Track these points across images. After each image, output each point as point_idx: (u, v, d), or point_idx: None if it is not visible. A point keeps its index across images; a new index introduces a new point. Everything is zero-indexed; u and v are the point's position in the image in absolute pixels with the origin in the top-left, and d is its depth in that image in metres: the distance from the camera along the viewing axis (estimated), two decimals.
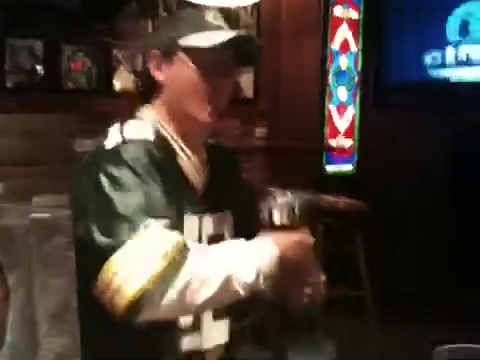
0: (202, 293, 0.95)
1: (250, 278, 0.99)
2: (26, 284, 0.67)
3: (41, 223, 0.68)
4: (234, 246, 1.04)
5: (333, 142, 3.70)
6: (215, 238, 1.14)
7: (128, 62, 2.90)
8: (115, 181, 0.99)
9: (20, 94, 2.65)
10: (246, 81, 3.38)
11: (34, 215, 0.68)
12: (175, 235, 0.96)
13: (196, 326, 1.11)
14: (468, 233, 3.42)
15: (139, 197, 0.98)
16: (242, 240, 1.05)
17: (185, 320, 1.09)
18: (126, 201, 0.97)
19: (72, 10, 2.74)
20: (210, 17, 1.14)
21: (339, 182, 3.62)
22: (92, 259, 0.95)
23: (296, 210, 1.10)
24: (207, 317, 1.14)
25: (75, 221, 1.03)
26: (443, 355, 0.60)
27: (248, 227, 1.12)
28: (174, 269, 0.93)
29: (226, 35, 1.09)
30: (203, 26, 1.11)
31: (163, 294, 0.92)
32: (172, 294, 0.93)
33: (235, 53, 1.13)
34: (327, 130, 3.66)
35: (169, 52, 1.12)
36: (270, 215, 1.09)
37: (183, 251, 0.95)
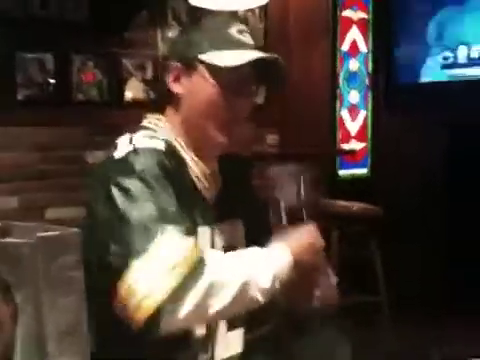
0: (220, 301, 0.94)
1: (267, 284, 0.98)
2: (34, 303, 0.66)
3: (49, 241, 0.67)
4: (249, 253, 1.03)
5: (346, 146, 3.67)
6: (228, 249, 1.12)
7: (139, 72, 2.90)
8: (126, 192, 0.97)
9: (31, 107, 2.66)
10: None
11: (41, 233, 0.67)
12: (192, 241, 0.95)
13: (209, 338, 1.10)
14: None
15: (152, 206, 0.96)
16: (256, 248, 1.04)
17: (198, 332, 1.08)
18: (139, 211, 0.95)
19: (81, 22, 2.75)
20: (234, 31, 1.11)
21: (353, 186, 3.59)
22: (108, 272, 0.94)
23: (302, 189, 1.10)
24: (221, 328, 1.13)
25: (89, 235, 1.01)
26: None
27: (260, 236, 1.11)
28: (192, 278, 0.92)
29: (249, 55, 1.07)
30: (227, 42, 1.09)
31: (182, 305, 0.91)
32: (191, 304, 0.92)
33: (257, 72, 1.11)
34: (339, 134, 3.64)
35: (190, 65, 1.10)
36: (278, 215, 1.10)
37: (200, 259, 0.94)
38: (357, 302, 2.85)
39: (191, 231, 0.98)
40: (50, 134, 2.71)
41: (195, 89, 1.10)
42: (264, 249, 1.04)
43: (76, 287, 0.69)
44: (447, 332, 2.80)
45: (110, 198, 0.98)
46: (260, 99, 3.39)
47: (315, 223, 1.11)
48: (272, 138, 3.43)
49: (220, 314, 0.97)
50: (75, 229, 0.74)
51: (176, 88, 1.11)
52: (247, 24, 3.35)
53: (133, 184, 0.98)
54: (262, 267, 1.00)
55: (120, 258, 0.93)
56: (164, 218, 0.95)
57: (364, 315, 2.76)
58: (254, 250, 1.04)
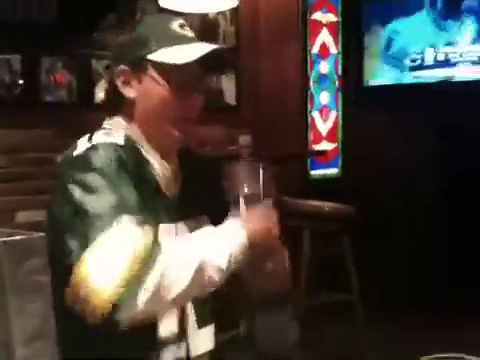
0: (177, 286, 0.94)
1: (223, 263, 0.99)
2: (1, 308, 0.66)
3: (14, 246, 0.67)
4: (204, 234, 1.03)
5: (317, 147, 3.71)
6: None
7: (107, 74, 2.88)
8: (83, 186, 0.96)
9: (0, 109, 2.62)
10: (228, 88, 3.38)
11: (6, 238, 0.66)
12: (147, 231, 0.94)
13: (179, 336, 1.10)
14: (455, 235, 3.44)
15: (109, 196, 0.95)
16: (210, 228, 1.05)
17: (167, 331, 1.08)
18: (96, 202, 0.94)
19: (50, 23, 2.72)
20: (176, 26, 1.11)
21: (325, 186, 3.63)
22: (66, 267, 0.92)
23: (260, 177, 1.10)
24: (191, 325, 1.13)
25: (49, 236, 1.01)
26: None
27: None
28: (146, 265, 0.91)
29: (197, 51, 1.07)
30: (171, 38, 1.09)
31: (137, 295, 0.90)
32: (147, 291, 0.91)
33: (205, 65, 1.11)
34: (311, 135, 3.67)
35: (138, 68, 1.09)
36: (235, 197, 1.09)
37: (154, 247, 0.93)
38: (329, 301, 2.89)
39: (149, 220, 0.97)
40: (19, 136, 2.67)
41: (147, 91, 1.09)
42: (220, 228, 1.04)
43: (43, 291, 0.69)
44: (421, 331, 2.85)
45: (67, 194, 0.97)
46: (232, 100, 3.41)
47: (272, 208, 1.11)
48: (244, 139, 3.44)
49: (180, 297, 0.96)
50: (40, 233, 0.74)
51: (129, 92, 1.10)
52: (216, 27, 3.36)
53: (90, 177, 0.97)
54: (217, 247, 1.00)
55: (76, 252, 0.92)
56: (121, 208, 0.94)
57: (336, 313, 2.79)
58: (210, 230, 1.04)
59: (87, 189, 0.96)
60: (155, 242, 0.95)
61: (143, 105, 1.10)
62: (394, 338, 2.85)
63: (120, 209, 0.94)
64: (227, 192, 1.12)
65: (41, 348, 0.68)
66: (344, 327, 2.88)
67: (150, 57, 1.08)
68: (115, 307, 0.88)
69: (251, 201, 1.09)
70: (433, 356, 0.61)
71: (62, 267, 0.95)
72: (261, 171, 1.10)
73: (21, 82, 2.67)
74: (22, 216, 2.64)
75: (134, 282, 0.89)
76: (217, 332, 1.20)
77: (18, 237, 0.66)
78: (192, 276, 0.95)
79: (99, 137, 1.05)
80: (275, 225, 1.09)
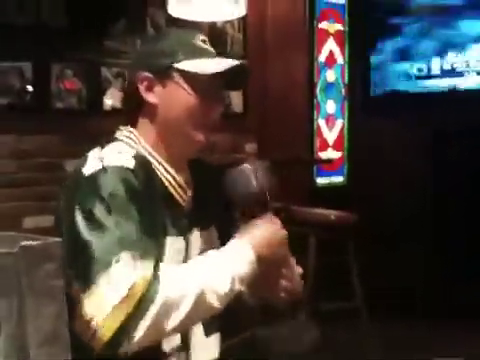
0: (175, 317, 0.97)
1: (225, 289, 1.00)
2: (17, 312, 0.68)
3: (31, 251, 0.69)
4: (207, 259, 1.04)
5: (323, 155, 3.73)
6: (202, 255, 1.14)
7: (118, 81, 2.91)
8: (89, 217, 0.99)
9: (9, 115, 2.65)
10: (235, 96, 3.41)
11: (24, 243, 0.69)
12: (144, 268, 0.96)
13: (184, 346, 1.12)
14: (461, 240, 3.44)
15: (113, 233, 0.98)
16: (214, 251, 1.06)
17: (171, 343, 1.09)
18: (99, 241, 0.97)
19: (60, 30, 2.75)
20: (198, 41, 1.16)
21: (331, 194, 3.64)
22: (69, 298, 0.95)
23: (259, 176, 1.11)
24: (197, 334, 1.14)
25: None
26: None
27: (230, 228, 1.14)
28: (144, 303, 0.94)
29: (224, 63, 1.12)
30: (195, 51, 1.14)
31: (137, 328, 0.94)
32: (144, 328, 0.94)
33: (226, 78, 1.15)
34: (317, 143, 3.69)
35: (163, 75, 1.13)
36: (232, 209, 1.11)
37: (152, 283, 0.96)
38: (334, 308, 2.89)
39: (150, 253, 0.99)
40: (28, 142, 2.70)
41: (171, 98, 1.12)
42: (225, 249, 1.06)
43: (57, 295, 0.71)
44: (425, 336, 2.85)
45: (73, 221, 1.00)
46: (238, 108, 3.43)
47: (272, 213, 1.12)
48: (250, 147, 3.46)
49: (178, 328, 1.00)
50: (56, 238, 0.76)
51: (150, 98, 1.13)
52: (224, 35, 3.39)
53: (97, 208, 1.00)
54: (219, 272, 1.01)
55: (77, 284, 0.96)
56: (121, 244, 0.97)
57: (341, 321, 2.79)
58: (214, 253, 1.05)
59: (92, 223, 0.99)
60: (155, 274, 0.97)
61: (166, 111, 1.13)
62: (398, 344, 2.85)
63: (121, 245, 0.97)
64: (231, 199, 1.14)
65: (55, 351, 0.70)
66: (348, 333, 2.89)
67: (178, 66, 1.12)
68: (114, 340, 0.93)
69: (254, 204, 1.10)
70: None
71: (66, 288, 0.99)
72: (261, 172, 1.11)
73: (31, 89, 2.70)
74: (30, 222, 2.67)
75: (131, 318, 0.93)
76: (223, 339, 1.21)
77: (35, 242, 0.68)
78: (192, 306, 0.97)
79: (110, 157, 1.06)
80: (283, 234, 1.11)
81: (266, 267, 1.06)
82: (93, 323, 0.93)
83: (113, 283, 0.94)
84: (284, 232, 1.11)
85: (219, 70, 1.11)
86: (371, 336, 2.83)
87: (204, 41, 1.17)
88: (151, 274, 0.96)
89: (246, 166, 1.12)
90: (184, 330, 1.09)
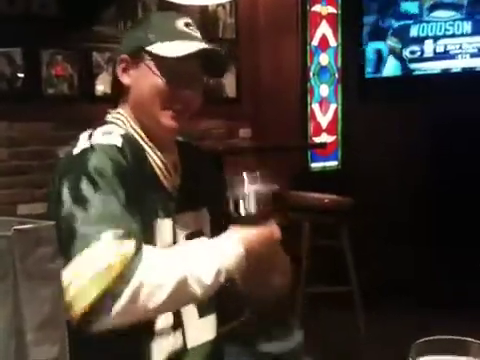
0: (154, 299, 0.97)
1: (209, 278, 1.00)
2: (13, 296, 0.68)
3: (25, 234, 0.68)
4: (195, 246, 1.05)
5: (317, 139, 3.72)
6: (192, 235, 1.15)
7: (110, 66, 2.89)
8: (75, 193, 1.00)
9: (0, 102, 2.63)
10: (229, 81, 3.39)
11: (18, 227, 0.68)
12: (125, 246, 0.96)
13: (177, 326, 1.12)
14: (455, 225, 3.46)
15: (97, 210, 0.99)
16: (205, 239, 1.07)
17: (165, 321, 1.09)
18: (83, 218, 0.98)
19: (50, 16, 2.72)
20: (181, 24, 1.15)
21: (325, 179, 3.65)
22: None
23: (259, 201, 1.11)
24: (192, 315, 1.14)
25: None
26: (423, 348, 0.61)
27: (225, 224, 1.12)
28: (121, 281, 0.94)
29: (191, 47, 1.10)
30: (172, 35, 1.12)
31: (112, 306, 0.94)
32: (121, 304, 0.94)
33: (201, 63, 1.14)
34: (311, 127, 3.68)
35: (136, 57, 1.13)
36: (236, 206, 1.11)
37: (132, 262, 0.96)
38: (328, 292, 2.91)
39: (133, 232, 0.99)
40: (20, 129, 2.68)
41: (141, 80, 1.13)
42: (215, 240, 1.06)
43: (53, 279, 0.71)
44: (419, 321, 2.87)
45: (60, 196, 1.01)
46: (232, 93, 3.41)
47: (273, 216, 1.13)
48: (244, 132, 3.45)
49: (158, 311, 1.00)
50: (51, 222, 0.75)
51: (124, 79, 1.15)
52: (216, 19, 3.36)
53: (83, 183, 1.00)
54: (205, 261, 1.01)
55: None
56: (105, 221, 0.98)
57: (335, 304, 2.81)
58: (203, 242, 1.06)
59: (77, 198, 1.00)
60: (136, 254, 0.97)
61: (137, 92, 1.14)
62: (393, 328, 2.88)
63: (105, 223, 0.97)
64: (227, 199, 1.13)
65: (52, 334, 0.70)
66: (343, 317, 2.91)
67: (147, 48, 1.12)
68: (89, 317, 0.93)
69: (248, 203, 1.10)
70: (427, 338, 0.63)
71: None
72: (258, 175, 1.11)
73: (22, 75, 2.68)
74: (24, 209, 2.66)
75: (107, 295, 0.93)
76: (219, 322, 1.21)
77: (30, 225, 0.67)
78: (171, 291, 0.97)
79: (98, 137, 1.07)
80: (276, 233, 1.11)
81: (255, 264, 1.06)
82: (68, 296, 0.92)
83: (92, 259, 0.95)
84: (277, 232, 1.11)
85: (184, 53, 1.09)
86: (365, 320, 2.86)
87: (187, 24, 1.15)
88: (132, 254, 0.96)
89: (244, 189, 1.11)
90: (163, 313, 1.09)
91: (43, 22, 2.70)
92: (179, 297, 1.00)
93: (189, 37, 1.14)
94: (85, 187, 1.00)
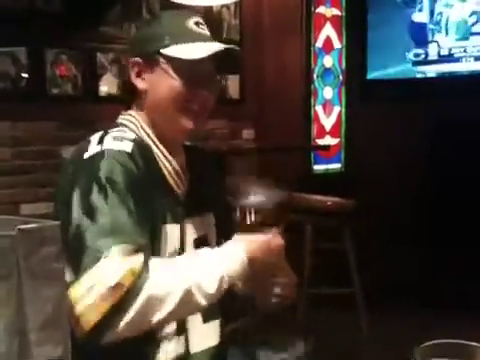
0: (160, 312, 0.97)
1: (212, 288, 1.00)
2: (17, 295, 0.67)
3: (29, 233, 0.68)
4: (198, 256, 1.04)
5: (320, 141, 3.72)
6: (198, 240, 1.15)
7: (114, 67, 2.89)
8: (85, 202, 1.00)
9: (5, 102, 2.62)
10: (232, 82, 3.39)
11: (22, 226, 0.68)
12: (134, 261, 0.96)
13: (181, 331, 1.12)
14: (458, 227, 3.45)
15: (106, 220, 0.98)
16: (209, 248, 1.06)
17: (169, 327, 1.09)
18: (92, 226, 0.98)
19: (55, 15, 2.72)
20: (192, 24, 1.14)
21: (328, 181, 3.64)
22: None
23: (267, 210, 1.11)
24: (196, 320, 1.14)
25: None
26: (427, 351, 0.61)
27: (231, 229, 1.13)
28: (130, 297, 0.94)
29: (209, 48, 1.10)
30: (186, 36, 1.12)
31: (120, 320, 0.94)
32: (129, 319, 0.95)
33: (216, 63, 1.14)
34: (314, 129, 3.68)
35: (151, 61, 1.12)
36: (243, 214, 1.11)
37: (140, 277, 0.96)
38: (331, 294, 2.91)
39: (141, 246, 0.99)
40: (24, 129, 2.68)
41: (158, 83, 1.11)
42: (218, 249, 1.06)
43: (57, 279, 0.70)
44: (421, 322, 2.86)
45: (70, 203, 1.00)
46: (236, 94, 3.41)
47: (278, 224, 1.12)
48: (248, 133, 3.45)
49: (163, 323, 1.01)
50: (55, 221, 0.75)
51: (139, 84, 1.13)
52: (220, 20, 3.36)
53: (94, 193, 1.00)
54: (209, 270, 1.01)
55: (68, 270, 0.96)
56: (114, 234, 0.97)
57: (338, 306, 2.81)
58: (206, 251, 1.05)
59: (88, 208, 0.99)
60: (144, 269, 0.97)
61: (154, 96, 1.13)
62: (396, 329, 2.87)
63: (114, 236, 0.97)
64: (234, 202, 1.13)
65: (55, 334, 0.70)
66: (345, 318, 2.90)
67: (163, 51, 1.11)
68: (96, 331, 0.94)
69: (258, 211, 1.10)
70: (431, 342, 0.63)
71: None
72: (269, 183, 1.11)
73: (26, 75, 2.68)
74: (27, 208, 2.66)
75: (115, 310, 0.94)
76: (223, 327, 1.21)
77: (33, 225, 0.67)
78: (176, 304, 0.98)
79: (109, 142, 1.06)
80: (280, 242, 1.10)
81: (259, 272, 1.06)
82: (77, 309, 0.93)
83: (101, 276, 0.95)
84: (281, 240, 1.11)
85: (203, 55, 1.08)
86: (367, 321, 2.85)
87: (197, 23, 1.14)
88: (140, 267, 0.96)
89: (250, 198, 1.11)
90: (168, 324, 1.09)
91: (47, 22, 2.70)
92: (184, 307, 1.00)
93: (202, 37, 1.13)
94: (96, 196, 0.99)
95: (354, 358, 2.76)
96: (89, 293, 0.94)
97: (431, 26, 3.66)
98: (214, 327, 1.18)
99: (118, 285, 0.94)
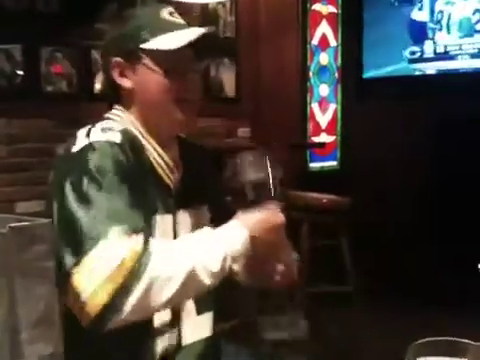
0: (165, 292, 0.96)
1: (216, 267, 0.99)
2: (8, 292, 0.67)
3: (21, 232, 0.68)
4: (200, 236, 1.04)
5: (316, 139, 3.72)
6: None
7: (102, 66, 2.87)
8: (78, 193, 0.99)
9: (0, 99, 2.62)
10: (228, 80, 3.38)
11: (13, 224, 0.67)
12: (134, 242, 0.96)
13: (175, 322, 1.12)
14: (453, 225, 3.46)
15: (101, 207, 0.98)
16: (209, 229, 1.05)
17: (163, 318, 1.09)
18: (88, 215, 0.97)
19: (50, 13, 2.71)
20: (166, 14, 1.13)
21: (324, 178, 3.64)
22: (61, 273, 0.97)
23: (270, 186, 1.10)
24: (190, 312, 1.14)
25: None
26: (420, 349, 0.61)
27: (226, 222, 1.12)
28: (133, 277, 0.93)
29: (188, 35, 1.09)
30: (162, 27, 1.11)
31: (126, 302, 0.93)
32: (133, 301, 0.94)
33: (196, 48, 1.13)
34: (310, 127, 3.68)
35: (132, 59, 1.11)
36: (242, 191, 1.10)
37: (142, 257, 0.95)
38: (326, 291, 2.91)
39: (139, 228, 0.98)
40: (19, 126, 2.67)
41: (144, 80, 1.11)
42: (219, 228, 1.05)
43: (48, 277, 0.71)
44: (420, 320, 2.87)
45: (62, 197, 1.00)
46: (231, 92, 3.41)
47: (277, 201, 1.12)
48: (243, 131, 3.45)
49: (168, 304, 0.99)
50: (46, 220, 0.75)
51: (125, 83, 1.13)
52: (216, 18, 3.36)
53: (85, 183, 0.99)
54: (212, 249, 1.00)
55: (69, 264, 0.95)
56: (111, 218, 0.97)
57: (333, 304, 2.81)
58: (207, 231, 1.05)
59: (80, 197, 0.98)
60: (145, 248, 0.96)
61: (141, 94, 1.12)
62: (391, 328, 2.88)
63: (111, 220, 0.96)
64: (231, 180, 1.13)
65: (46, 332, 0.70)
66: (342, 316, 2.91)
67: (144, 46, 1.10)
68: (103, 315, 0.92)
69: (258, 188, 1.10)
70: (424, 340, 0.63)
71: (58, 269, 0.99)
72: (267, 158, 1.11)
73: (21, 72, 2.67)
74: (22, 206, 2.65)
75: (120, 292, 0.93)
76: (217, 320, 1.21)
77: (25, 223, 0.67)
78: (181, 284, 0.97)
79: (97, 134, 1.06)
80: (280, 219, 1.10)
81: (261, 250, 1.06)
82: (82, 297, 0.92)
83: (102, 257, 0.94)
84: (282, 217, 1.10)
85: (184, 43, 1.08)
86: (364, 320, 2.85)
87: (171, 13, 1.14)
88: (141, 248, 0.95)
89: (259, 151, 1.11)
90: (175, 305, 1.08)
91: (43, 19, 2.69)
92: (189, 287, 0.99)
93: (177, 26, 1.13)
94: (88, 187, 0.99)
95: (352, 356, 2.76)
96: (91, 277, 0.93)
97: (431, 25, 3.66)
98: (207, 319, 1.18)
99: (121, 265, 0.93)
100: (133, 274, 0.93)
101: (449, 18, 3.60)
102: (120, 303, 0.93)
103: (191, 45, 1.10)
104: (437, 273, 3.28)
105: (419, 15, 3.70)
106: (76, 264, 0.94)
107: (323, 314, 2.92)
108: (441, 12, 3.63)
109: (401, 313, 3.03)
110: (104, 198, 0.99)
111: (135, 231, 0.97)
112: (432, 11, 3.66)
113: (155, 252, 0.97)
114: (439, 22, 3.64)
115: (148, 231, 1.01)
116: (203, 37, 1.11)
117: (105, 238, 0.94)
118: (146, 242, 0.97)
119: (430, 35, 3.66)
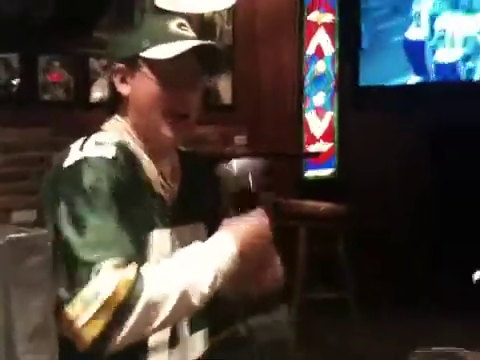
0: (159, 317, 0.97)
1: (207, 286, 0.99)
2: (4, 304, 0.67)
3: (18, 242, 0.68)
4: (189, 254, 1.03)
5: (312, 147, 3.72)
6: None
7: (106, 73, 2.88)
8: (73, 215, 0.99)
9: None
10: (224, 88, 3.39)
11: (11, 235, 0.67)
12: (127, 271, 0.96)
13: (172, 341, 1.11)
14: (450, 232, 3.46)
15: (95, 233, 0.98)
16: (196, 246, 1.04)
17: (158, 338, 1.08)
18: (83, 241, 0.97)
19: (47, 21, 2.72)
20: (174, 26, 1.12)
21: (321, 187, 3.64)
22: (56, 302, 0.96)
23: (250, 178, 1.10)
24: (182, 332, 1.13)
25: None
26: (420, 359, 0.61)
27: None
28: (126, 307, 0.94)
29: (184, 45, 1.07)
30: (166, 37, 1.10)
31: (120, 332, 0.94)
32: (128, 329, 0.95)
33: (199, 62, 1.12)
34: (306, 135, 3.69)
35: (132, 65, 1.11)
36: (231, 181, 1.10)
37: (134, 288, 0.95)
38: (324, 298, 2.91)
39: (132, 255, 0.99)
40: (16, 135, 2.67)
41: (139, 88, 1.10)
42: (208, 243, 1.04)
43: (44, 288, 0.70)
44: (412, 328, 2.87)
45: (58, 217, 1.00)
46: (227, 100, 3.41)
47: (265, 208, 1.12)
48: (240, 139, 3.45)
49: (161, 327, 1.00)
50: (44, 230, 0.75)
51: (123, 89, 1.12)
52: (213, 27, 3.37)
53: (79, 204, 0.99)
54: (202, 269, 1.00)
55: (62, 291, 0.96)
56: (104, 247, 0.97)
57: (331, 311, 2.81)
58: (196, 248, 1.04)
59: (75, 221, 0.98)
60: (138, 276, 0.96)
61: (135, 101, 1.12)
62: (388, 334, 2.87)
63: (103, 249, 0.97)
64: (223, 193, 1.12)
65: (42, 344, 0.69)
66: (338, 323, 2.90)
67: (142, 54, 1.09)
68: (99, 344, 0.94)
69: (246, 198, 1.10)
70: (426, 350, 0.63)
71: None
72: (251, 168, 1.11)
73: (18, 81, 2.67)
74: (18, 216, 2.64)
75: (114, 323, 0.94)
76: (211, 333, 1.20)
77: (22, 234, 0.67)
78: (174, 306, 0.97)
79: (91, 148, 1.05)
80: (266, 227, 1.09)
81: (249, 260, 1.05)
82: (76, 326, 0.93)
83: (96, 289, 0.94)
84: (266, 221, 1.09)
85: (177, 53, 1.06)
86: (360, 326, 2.85)
87: (180, 25, 1.12)
88: (133, 277, 0.96)
89: (232, 163, 1.11)
90: (165, 328, 1.08)
91: (40, 28, 2.69)
92: (180, 310, 0.99)
93: (182, 37, 1.10)
94: (81, 208, 0.99)
95: None
96: (86, 310, 0.94)
97: (431, 43, 3.65)
98: (200, 337, 1.18)
99: (113, 299, 0.93)
100: (126, 306, 0.94)
101: (452, 35, 3.61)
102: (114, 333, 0.94)
103: (197, 59, 1.09)
104: (435, 280, 3.27)
105: (415, 32, 3.71)
106: (70, 294, 0.95)
107: (320, 320, 2.91)
108: (443, 30, 3.63)
109: (398, 320, 3.03)
110: (97, 222, 0.98)
111: (128, 261, 0.97)
112: (432, 30, 3.66)
113: (147, 279, 0.97)
114: (442, 38, 3.64)
115: (140, 256, 1.01)
116: (208, 53, 1.10)
117: (99, 271, 0.95)
118: (138, 271, 0.97)
119: (430, 55, 3.66)
